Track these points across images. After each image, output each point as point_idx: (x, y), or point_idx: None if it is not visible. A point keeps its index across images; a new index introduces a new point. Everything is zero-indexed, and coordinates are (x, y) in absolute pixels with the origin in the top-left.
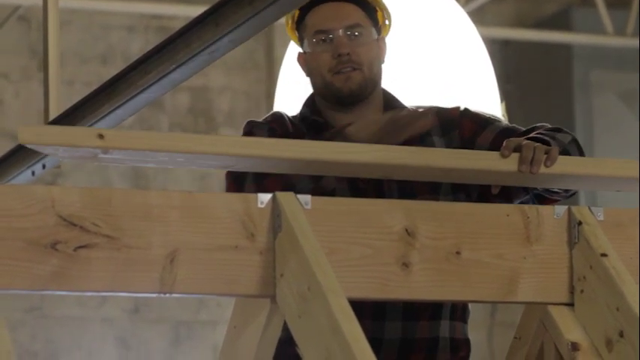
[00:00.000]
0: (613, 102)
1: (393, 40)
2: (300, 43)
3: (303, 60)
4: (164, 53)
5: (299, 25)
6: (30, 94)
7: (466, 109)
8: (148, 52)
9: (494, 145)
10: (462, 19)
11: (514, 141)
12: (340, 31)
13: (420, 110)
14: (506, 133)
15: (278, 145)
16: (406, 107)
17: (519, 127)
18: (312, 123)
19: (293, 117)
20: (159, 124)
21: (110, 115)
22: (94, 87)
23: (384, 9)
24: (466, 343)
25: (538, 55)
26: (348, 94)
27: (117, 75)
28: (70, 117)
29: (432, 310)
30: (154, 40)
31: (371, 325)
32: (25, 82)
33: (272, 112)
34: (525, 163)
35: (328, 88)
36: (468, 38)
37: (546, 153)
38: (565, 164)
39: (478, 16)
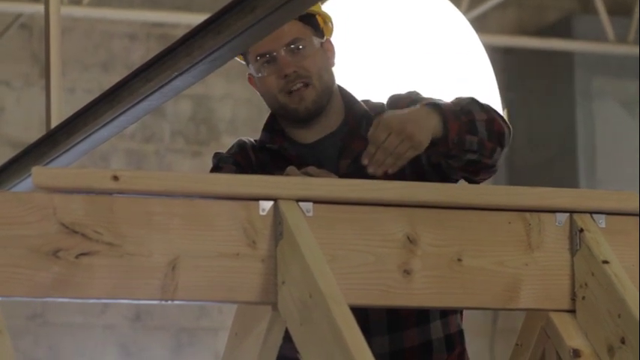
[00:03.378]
0: (615, 109)
1: (394, 47)
2: (246, 64)
3: (253, 82)
4: (165, 61)
5: None
6: (31, 101)
7: (417, 97)
8: (150, 60)
9: None
10: (463, 27)
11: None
12: (281, 50)
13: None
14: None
15: (300, 185)
16: (363, 107)
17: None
18: (269, 150)
19: (257, 141)
20: (161, 131)
21: (112, 122)
22: (96, 94)
23: (321, 12)
24: (460, 335)
25: (540, 62)
26: (305, 114)
27: (118, 83)
28: (72, 125)
29: (417, 315)
30: (155, 48)
31: None
32: (26, 89)
33: (237, 140)
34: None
35: (284, 109)
36: (469, 46)
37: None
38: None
39: (480, 24)
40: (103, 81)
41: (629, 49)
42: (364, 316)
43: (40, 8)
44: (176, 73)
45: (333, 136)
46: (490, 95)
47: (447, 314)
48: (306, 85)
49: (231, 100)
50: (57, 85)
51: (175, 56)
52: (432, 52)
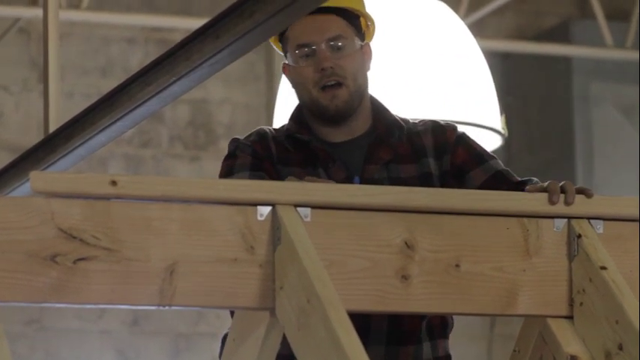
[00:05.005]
0: (613, 115)
1: (393, 52)
2: (284, 54)
3: (288, 72)
4: (164, 66)
5: (281, 37)
6: (30, 106)
7: (462, 136)
8: (148, 64)
9: (485, 186)
10: (462, 32)
11: (536, 187)
12: (322, 44)
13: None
14: (498, 177)
15: (298, 190)
16: (394, 117)
17: (513, 174)
18: (297, 140)
19: (278, 131)
20: (159, 136)
21: (110, 127)
22: (94, 99)
23: (365, 14)
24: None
25: (538, 67)
26: (334, 113)
27: (117, 87)
28: (70, 129)
29: (415, 333)
30: (154, 53)
31: None
32: (25, 94)
33: (257, 129)
34: (556, 194)
35: (315, 104)
36: (468, 51)
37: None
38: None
39: (478, 29)
40: (101, 86)
41: (627, 54)
42: (366, 323)
43: (38, 12)
44: (174, 78)
45: (359, 140)
46: (488, 100)
47: (435, 337)
48: (340, 84)
49: (229, 104)
50: (55, 89)
51: (174, 61)
52: (431, 57)
